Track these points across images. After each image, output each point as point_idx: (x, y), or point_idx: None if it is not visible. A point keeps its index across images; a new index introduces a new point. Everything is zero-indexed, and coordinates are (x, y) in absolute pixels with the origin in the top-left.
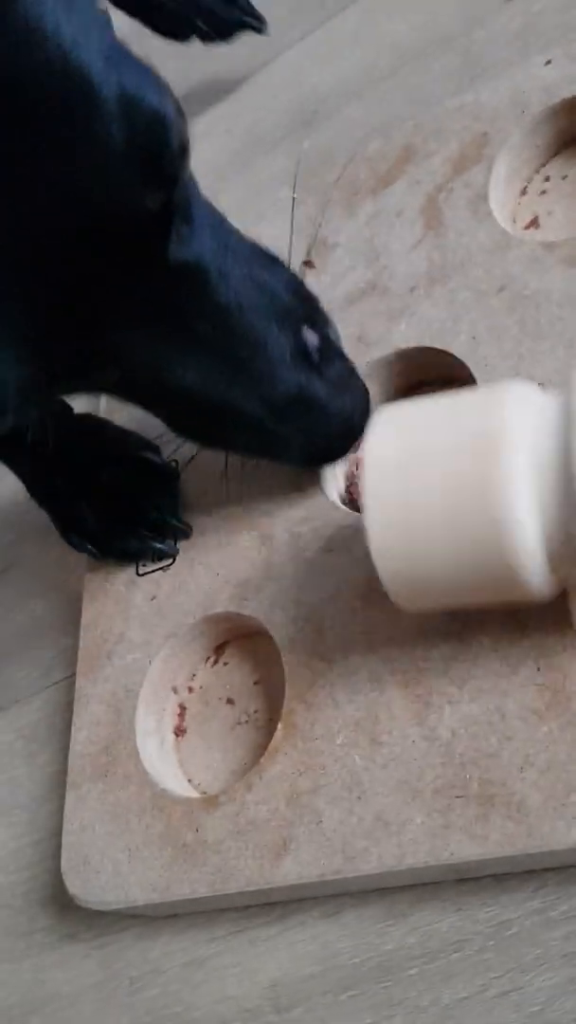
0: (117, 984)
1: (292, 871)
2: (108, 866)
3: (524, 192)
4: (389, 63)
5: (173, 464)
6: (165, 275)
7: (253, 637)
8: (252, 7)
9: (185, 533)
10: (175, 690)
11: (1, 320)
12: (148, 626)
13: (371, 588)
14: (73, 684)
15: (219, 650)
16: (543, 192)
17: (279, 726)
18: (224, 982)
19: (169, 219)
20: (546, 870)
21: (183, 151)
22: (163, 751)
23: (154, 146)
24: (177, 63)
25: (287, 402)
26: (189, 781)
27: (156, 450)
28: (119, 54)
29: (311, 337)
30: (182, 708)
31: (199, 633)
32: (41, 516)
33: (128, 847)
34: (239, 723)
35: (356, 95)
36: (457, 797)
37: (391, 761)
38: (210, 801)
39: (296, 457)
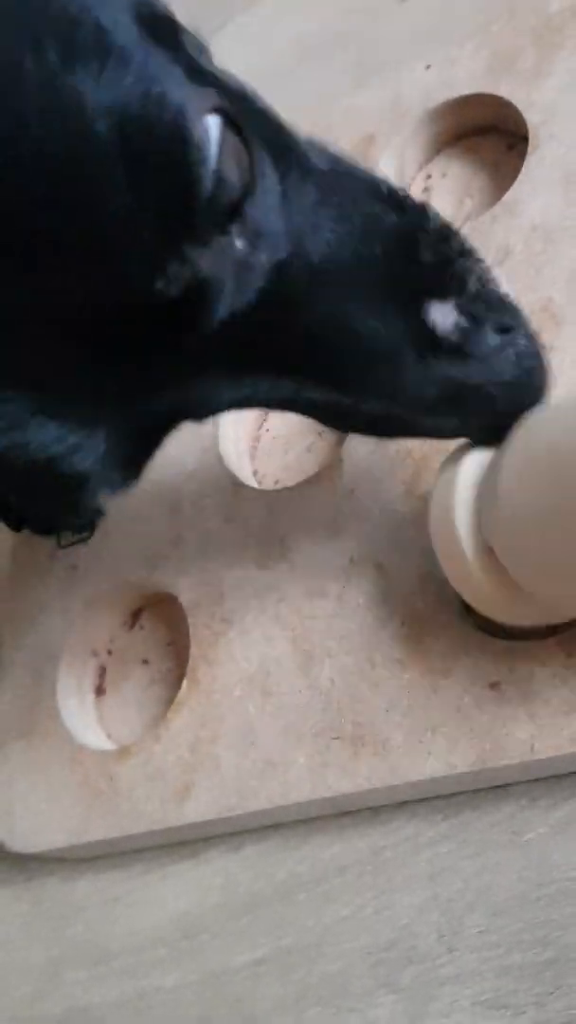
0: (45, 922)
1: (193, 811)
2: (32, 814)
3: (409, 189)
4: (295, 58)
5: None
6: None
7: (166, 602)
8: None
9: (101, 513)
10: (95, 653)
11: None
12: (68, 594)
13: (265, 554)
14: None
15: (136, 615)
16: (425, 189)
17: (184, 682)
18: (139, 915)
19: (205, 296)
20: (416, 801)
21: (223, 200)
22: (83, 710)
23: (174, 195)
24: None
25: (433, 403)
26: (109, 737)
27: None
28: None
29: (441, 315)
30: (102, 669)
31: (115, 600)
32: None
33: (49, 797)
34: (154, 681)
35: (263, 90)
36: (334, 739)
37: (279, 709)
38: (123, 752)
39: (476, 438)
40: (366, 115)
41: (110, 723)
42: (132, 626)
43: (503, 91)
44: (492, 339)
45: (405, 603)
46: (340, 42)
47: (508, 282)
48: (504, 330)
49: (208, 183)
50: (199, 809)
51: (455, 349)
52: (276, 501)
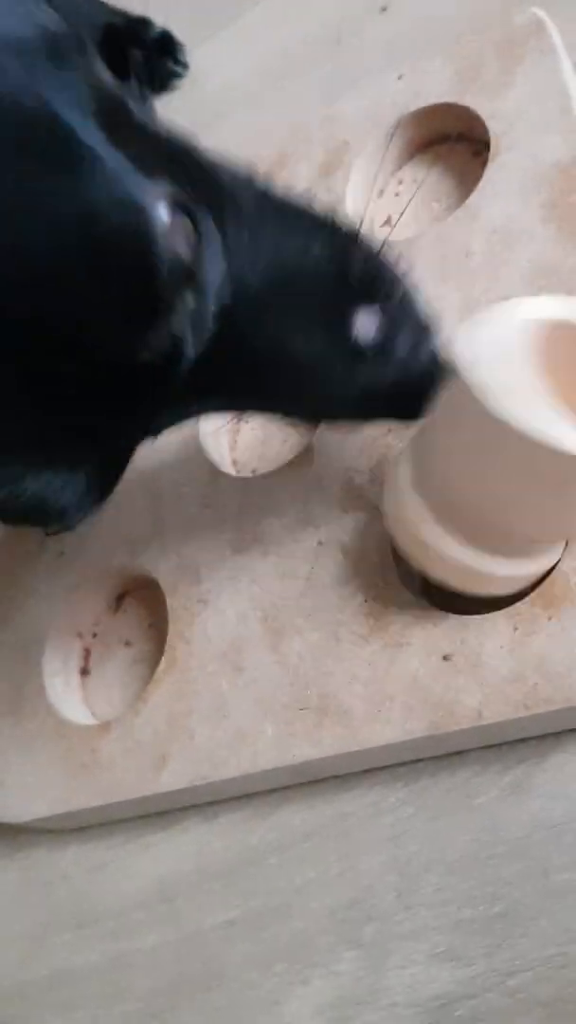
0: (33, 889)
1: (168, 780)
2: (20, 786)
3: (381, 194)
4: (280, 68)
5: None
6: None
7: (148, 586)
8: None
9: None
10: (80, 635)
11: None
12: (55, 579)
13: (239, 538)
14: None
15: (120, 599)
16: (397, 194)
17: (162, 660)
18: (121, 881)
19: (177, 358)
20: (378, 769)
21: (179, 273)
22: (68, 689)
23: (134, 282)
24: None
25: (358, 402)
26: (93, 715)
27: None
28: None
29: (365, 325)
30: (87, 651)
31: (100, 584)
32: None
33: (35, 769)
34: (135, 661)
35: (243, 101)
36: (300, 710)
37: (250, 683)
38: (104, 727)
39: (390, 416)
40: (341, 123)
41: (94, 702)
42: (116, 610)
43: (468, 101)
44: (407, 340)
45: (367, 582)
46: (322, 52)
47: (469, 281)
48: (419, 331)
49: (164, 268)
50: (174, 779)
51: (376, 354)
52: (250, 488)
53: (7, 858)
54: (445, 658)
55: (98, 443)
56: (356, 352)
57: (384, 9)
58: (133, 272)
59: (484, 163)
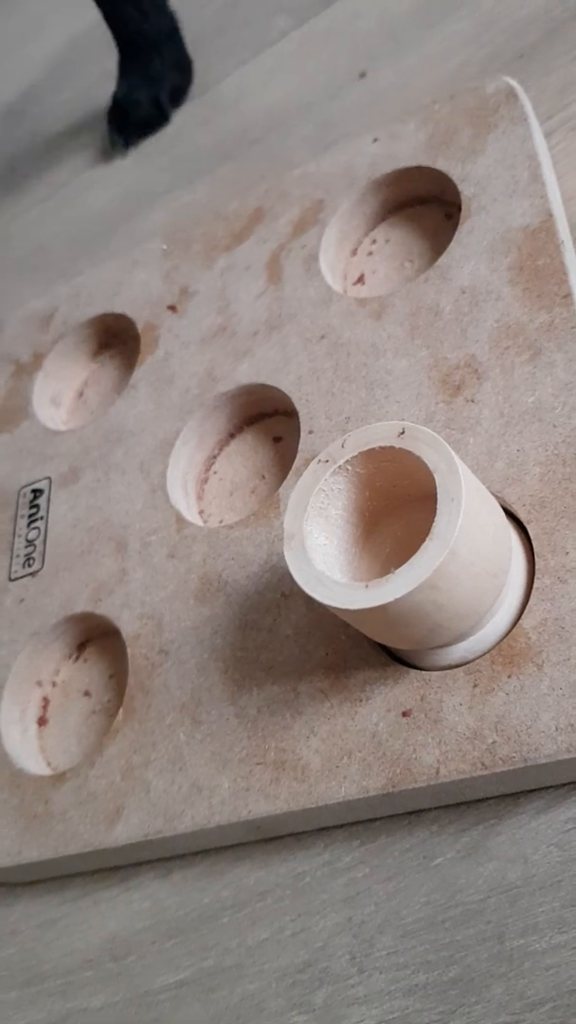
0: None
1: (123, 833)
2: None
3: (355, 253)
4: (262, 127)
5: None
6: None
7: (110, 636)
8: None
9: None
10: (40, 684)
11: None
12: (16, 626)
13: (203, 588)
14: None
15: (81, 648)
16: (370, 253)
17: (120, 711)
18: (71, 938)
19: None
20: (335, 827)
21: None
22: (25, 738)
23: None
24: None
25: None
26: (48, 765)
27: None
28: None
29: None
30: (46, 700)
31: (61, 632)
32: None
33: None
34: (94, 712)
35: (229, 156)
36: (257, 764)
37: (208, 736)
38: (59, 777)
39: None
40: (317, 182)
41: (50, 752)
42: (77, 659)
43: (440, 165)
44: None
45: (329, 636)
46: (303, 113)
47: (438, 339)
48: None
49: None
50: (128, 831)
51: None
52: (217, 538)
53: None
54: (404, 714)
55: None
56: None
57: (363, 75)
58: None
59: (456, 225)
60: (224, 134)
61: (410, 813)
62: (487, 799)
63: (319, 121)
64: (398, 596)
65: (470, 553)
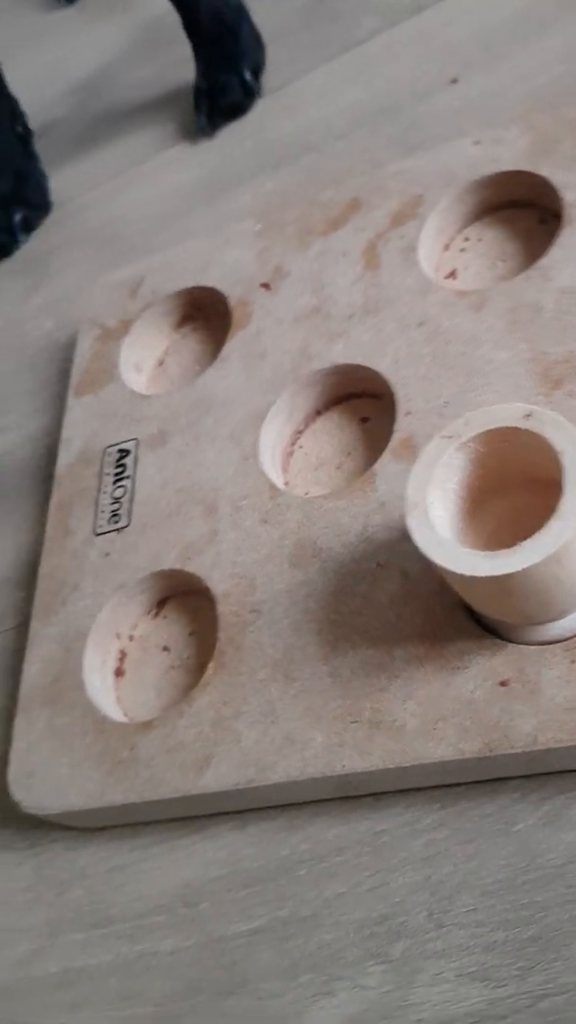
0: (46, 887)
1: (212, 781)
2: (51, 777)
3: (447, 248)
4: (347, 122)
5: None
6: None
7: (191, 595)
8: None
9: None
10: (118, 636)
11: None
12: (101, 578)
13: (297, 553)
14: (19, 634)
15: (160, 605)
16: (463, 250)
17: (210, 665)
18: (142, 884)
19: None
20: (415, 790)
21: None
22: (104, 687)
23: None
24: (173, 105)
25: None
26: (125, 715)
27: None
28: None
29: None
30: (123, 653)
31: (145, 587)
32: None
33: (70, 762)
34: (172, 667)
35: (315, 149)
36: (352, 722)
37: (301, 692)
38: (145, 725)
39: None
40: (416, 178)
41: (127, 703)
42: (156, 615)
43: (543, 171)
44: None
45: (426, 607)
46: (390, 113)
47: (538, 334)
48: None
49: None
50: (218, 779)
51: None
52: (311, 508)
53: (21, 852)
54: (502, 683)
55: None
56: None
57: (455, 81)
58: None
59: (549, 230)
60: (308, 126)
61: (492, 781)
62: (569, 771)
63: (406, 122)
64: (526, 566)
65: None
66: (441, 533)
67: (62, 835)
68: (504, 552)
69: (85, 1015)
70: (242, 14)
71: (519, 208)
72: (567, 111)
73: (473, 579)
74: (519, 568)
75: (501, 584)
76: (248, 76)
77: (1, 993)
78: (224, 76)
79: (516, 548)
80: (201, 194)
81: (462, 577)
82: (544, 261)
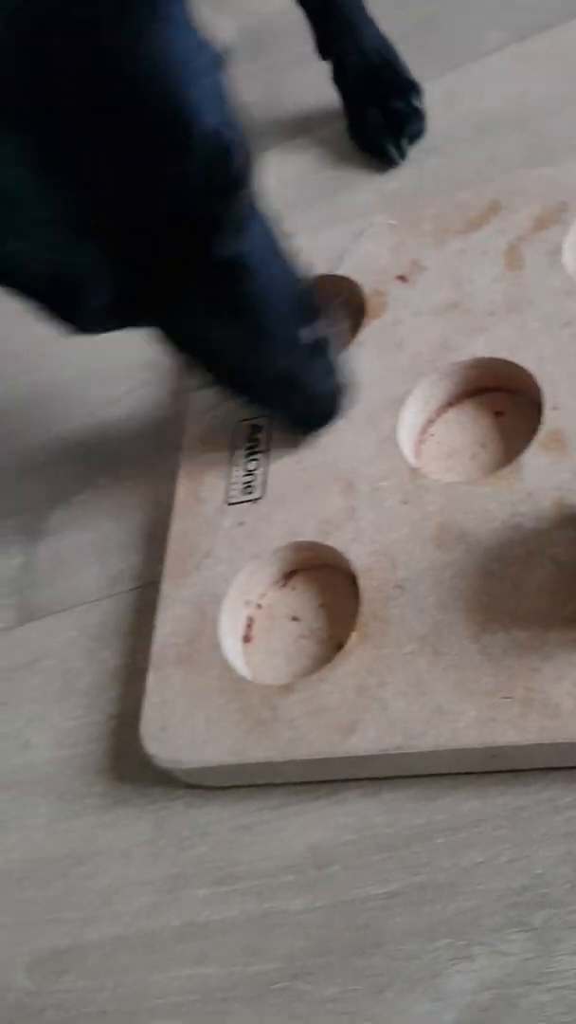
0: (167, 842)
1: (359, 745)
2: (188, 734)
3: None
4: (473, 128)
5: None
6: (211, 266)
7: (322, 569)
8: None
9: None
10: (247, 603)
11: (94, 265)
12: (235, 546)
13: (441, 535)
14: (140, 595)
15: (288, 576)
16: None
17: (353, 635)
18: (269, 844)
19: (219, 226)
20: (556, 770)
21: (241, 179)
22: (235, 652)
23: (222, 173)
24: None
25: (280, 378)
26: (254, 679)
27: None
28: (218, 95)
29: (311, 332)
30: (251, 620)
31: (279, 558)
32: (113, 450)
33: (208, 719)
34: (302, 636)
35: (438, 150)
36: (504, 698)
37: (451, 667)
38: (286, 687)
39: (288, 421)
40: (560, 184)
41: (256, 668)
42: (284, 585)
43: None
44: (325, 362)
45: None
46: (518, 123)
47: None
48: (332, 365)
49: (238, 171)
50: (365, 744)
51: (309, 353)
52: (455, 492)
53: (139, 808)
54: None
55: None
56: (302, 338)
57: None
58: (222, 167)
59: None
60: (433, 129)
61: None
62: None
63: (534, 132)
64: None
65: None
66: None
67: (185, 793)
68: None
69: (209, 970)
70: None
71: None
72: None
73: None
74: None
75: None
76: (418, 100)
77: (121, 944)
78: (398, 102)
79: None
80: (320, 188)
81: None
82: None
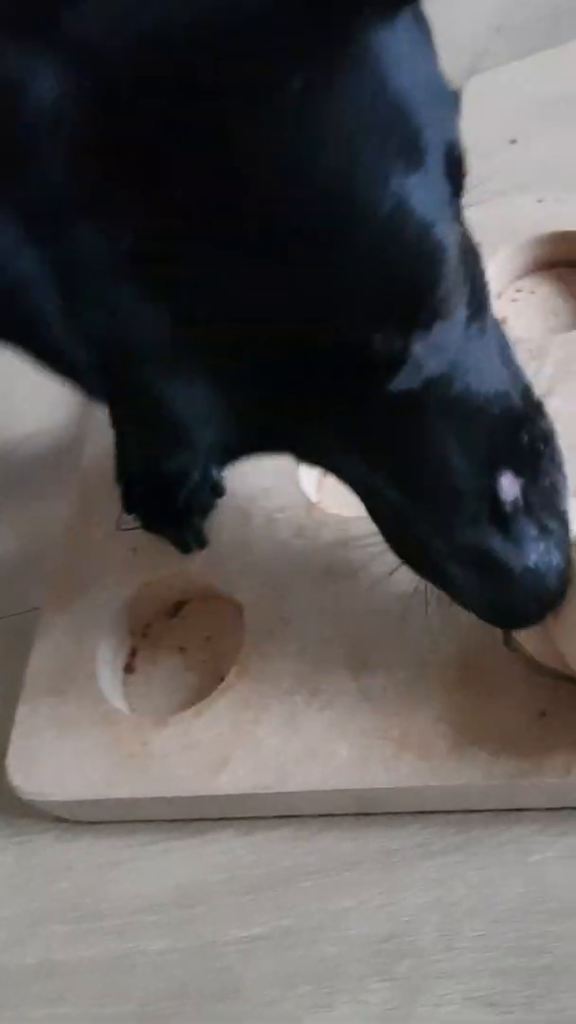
0: (30, 876)
1: (228, 783)
2: (56, 766)
3: (499, 296)
4: None
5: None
6: (379, 402)
7: (212, 600)
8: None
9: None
10: (132, 633)
11: (216, 395)
12: (124, 573)
13: (331, 571)
14: (24, 620)
15: (178, 607)
16: (514, 300)
17: (233, 669)
18: (135, 882)
19: (401, 362)
20: (431, 813)
21: (446, 296)
22: (114, 681)
23: (416, 287)
24: None
25: (464, 556)
26: (132, 711)
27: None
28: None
29: (510, 488)
30: (134, 650)
31: (167, 587)
32: (18, 473)
33: (76, 751)
34: (187, 669)
35: None
36: (379, 738)
37: (327, 705)
38: (160, 721)
39: (476, 610)
40: (476, 226)
41: (134, 699)
42: (173, 615)
43: None
44: (533, 530)
45: (464, 632)
46: None
47: None
48: (545, 530)
49: (440, 284)
50: (235, 782)
51: (506, 519)
52: (349, 527)
53: (5, 840)
54: (541, 714)
55: (258, 407)
56: (494, 499)
57: (514, 142)
58: (421, 268)
59: None
60: None
61: (511, 811)
62: None
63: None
64: None
65: None
66: None
67: (53, 826)
68: None
69: (64, 1010)
70: None
71: (573, 268)
72: None
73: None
74: None
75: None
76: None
77: None
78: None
79: None
80: None
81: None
82: None
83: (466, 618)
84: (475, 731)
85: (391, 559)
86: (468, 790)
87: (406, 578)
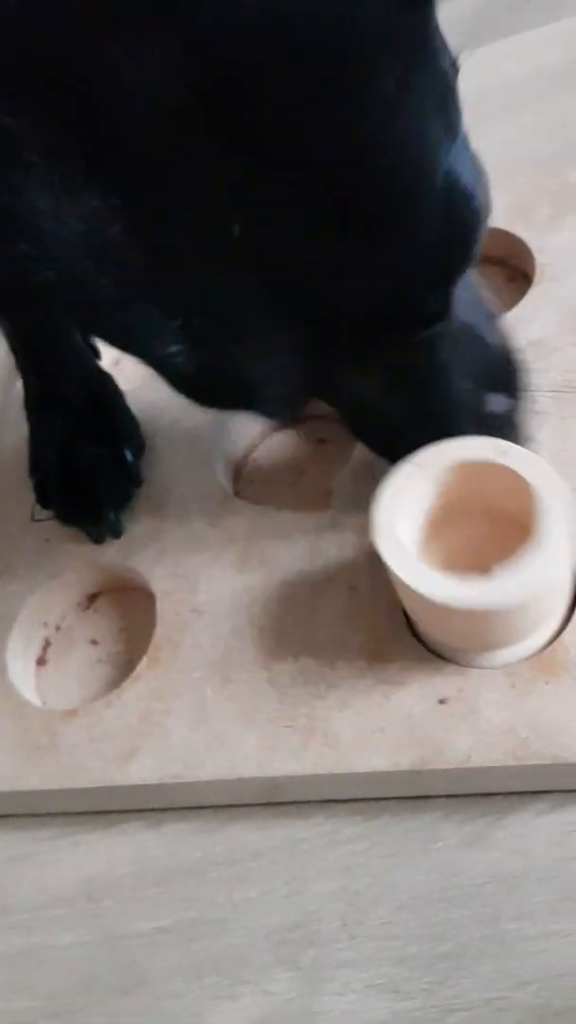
0: None
1: (136, 774)
2: None
3: None
4: None
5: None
6: (407, 346)
7: (126, 591)
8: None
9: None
10: (45, 625)
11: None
12: (36, 565)
13: (244, 559)
14: None
15: (91, 598)
16: None
17: (144, 659)
18: (44, 875)
19: (441, 316)
20: (338, 802)
21: (477, 253)
22: (25, 674)
23: (465, 248)
24: None
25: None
26: (44, 703)
27: (139, 448)
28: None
29: (496, 404)
30: (47, 642)
31: (77, 579)
32: None
33: None
34: (100, 661)
35: None
36: (286, 727)
37: (237, 695)
38: (69, 713)
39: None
40: None
41: (47, 692)
42: (87, 607)
43: (520, 232)
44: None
45: (372, 623)
46: None
47: None
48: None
49: (476, 247)
50: (143, 772)
51: (492, 429)
52: (263, 517)
53: None
54: (441, 702)
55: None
56: (485, 413)
57: None
58: (467, 230)
59: (517, 289)
60: None
61: (416, 799)
62: (494, 795)
63: None
64: (511, 600)
65: (565, 571)
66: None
67: None
68: (478, 580)
69: None
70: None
71: (489, 265)
72: (548, 180)
73: (448, 608)
74: (508, 601)
75: (474, 614)
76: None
77: None
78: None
79: (495, 579)
80: None
81: (437, 604)
82: (513, 315)
83: (375, 607)
84: (379, 718)
85: (301, 552)
86: (372, 778)
87: (318, 568)
